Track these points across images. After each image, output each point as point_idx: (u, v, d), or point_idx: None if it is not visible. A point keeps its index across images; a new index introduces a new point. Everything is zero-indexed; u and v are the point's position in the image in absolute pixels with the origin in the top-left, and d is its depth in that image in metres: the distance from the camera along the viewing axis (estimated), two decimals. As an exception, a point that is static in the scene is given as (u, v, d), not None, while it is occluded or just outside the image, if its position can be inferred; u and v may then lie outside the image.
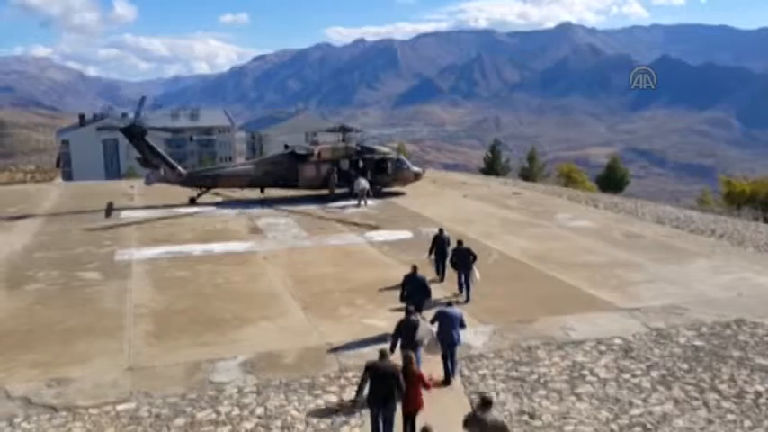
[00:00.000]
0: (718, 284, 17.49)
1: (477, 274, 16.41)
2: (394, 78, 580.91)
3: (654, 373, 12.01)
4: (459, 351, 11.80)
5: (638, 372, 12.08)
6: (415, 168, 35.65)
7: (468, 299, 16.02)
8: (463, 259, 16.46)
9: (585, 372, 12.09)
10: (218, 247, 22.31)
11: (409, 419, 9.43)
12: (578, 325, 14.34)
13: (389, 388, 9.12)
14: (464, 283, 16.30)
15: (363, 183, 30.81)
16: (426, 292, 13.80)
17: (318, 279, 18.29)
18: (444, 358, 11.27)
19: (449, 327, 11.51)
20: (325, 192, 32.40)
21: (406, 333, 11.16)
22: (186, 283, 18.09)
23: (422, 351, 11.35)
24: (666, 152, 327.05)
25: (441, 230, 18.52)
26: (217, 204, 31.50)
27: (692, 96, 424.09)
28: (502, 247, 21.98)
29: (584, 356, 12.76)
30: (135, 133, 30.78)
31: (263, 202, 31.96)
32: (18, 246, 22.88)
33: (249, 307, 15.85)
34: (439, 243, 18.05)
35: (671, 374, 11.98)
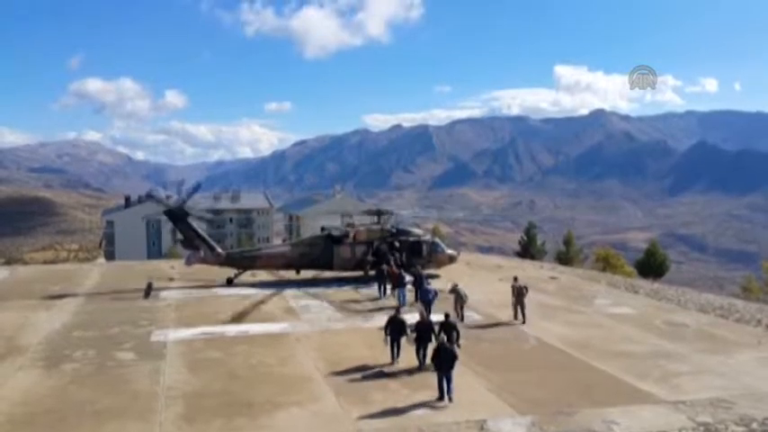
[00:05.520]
0: (767, 377, 16.72)
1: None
2: (429, 162, 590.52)
3: (703, 473, 11.36)
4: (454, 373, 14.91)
5: (686, 470, 11.45)
6: (450, 251, 35.59)
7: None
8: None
9: (629, 469, 11.51)
10: (252, 329, 22.33)
11: (394, 287, 26.06)
12: (621, 418, 13.75)
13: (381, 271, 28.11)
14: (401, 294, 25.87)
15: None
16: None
17: (351, 362, 18.04)
18: (440, 380, 14.94)
19: (426, 294, 23.05)
20: (360, 273, 32.45)
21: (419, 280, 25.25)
22: (220, 364, 18.04)
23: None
24: (706, 237, 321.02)
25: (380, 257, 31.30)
26: (253, 285, 31.73)
27: (731, 182, 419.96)
28: (539, 333, 21.50)
29: (628, 452, 12.17)
30: (178, 216, 31.55)
31: (299, 283, 32.11)
32: (58, 324, 23.24)
33: (281, 391, 15.67)
34: (379, 272, 28.89)
35: (721, 474, 11.32)
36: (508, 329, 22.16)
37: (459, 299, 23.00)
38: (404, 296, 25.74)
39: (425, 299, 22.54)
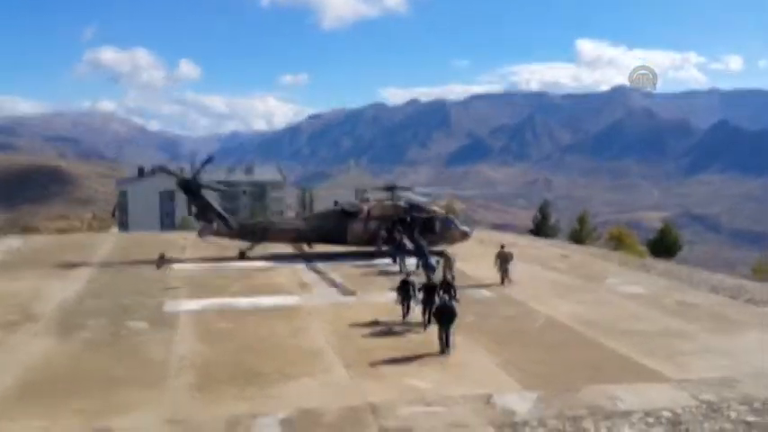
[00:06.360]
0: (775, 359, 16.68)
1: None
2: (445, 138, 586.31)
3: (705, 451, 11.44)
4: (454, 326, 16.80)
5: (689, 448, 11.53)
6: (464, 227, 35.44)
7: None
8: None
9: (632, 445, 11.61)
10: (264, 301, 22.60)
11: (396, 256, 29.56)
12: (626, 395, 13.85)
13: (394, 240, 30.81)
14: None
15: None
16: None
17: (362, 335, 18.28)
18: (441, 334, 16.84)
19: (429, 261, 25.71)
20: (372, 248, 32.55)
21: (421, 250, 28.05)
22: (231, 335, 18.32)
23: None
24: (721, 218, 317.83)
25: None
26: (265, 258, 31.97)
27: (749, 162, 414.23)
28: (549, 310, 21.56)
29: (632, 428, 12.27)
30: (191, 188, 31.63)
31: (312, 256, 32.31)
32: (71, 293, 23.64)
33: (292, 362, 15.91)
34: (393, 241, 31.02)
35: (724, 453, 11.39)
36: (518, 307, 22.25)
37: (448, 261, 25.14)
38: (403, 260, 28.47)
39: (428, 266, 25.44)
